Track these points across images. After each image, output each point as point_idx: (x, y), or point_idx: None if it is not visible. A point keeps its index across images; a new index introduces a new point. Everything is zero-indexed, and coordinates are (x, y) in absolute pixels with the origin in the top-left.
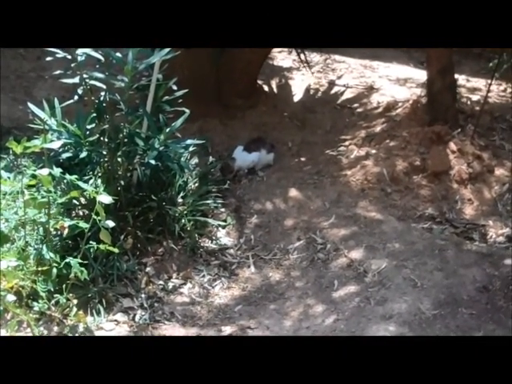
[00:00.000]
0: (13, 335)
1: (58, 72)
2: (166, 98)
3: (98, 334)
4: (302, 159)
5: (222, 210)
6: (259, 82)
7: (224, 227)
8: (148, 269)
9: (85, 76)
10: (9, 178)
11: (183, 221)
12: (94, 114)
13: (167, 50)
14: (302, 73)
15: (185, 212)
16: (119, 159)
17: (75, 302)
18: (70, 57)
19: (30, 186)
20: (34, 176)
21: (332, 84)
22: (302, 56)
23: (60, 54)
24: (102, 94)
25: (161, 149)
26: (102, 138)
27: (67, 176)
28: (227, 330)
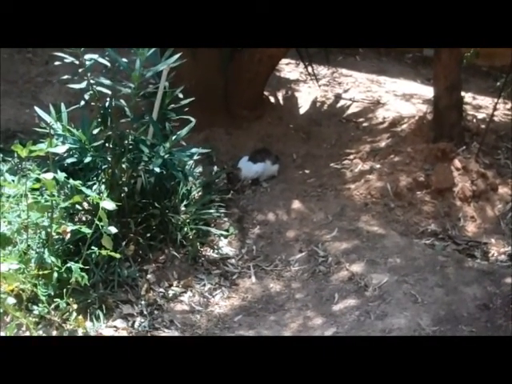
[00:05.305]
0: (13, 335)
1: (65, 77)
2: (173, 106)
3: None
4: (306, 171)
5: (225, 219)
6: (265, 93)
7: (226, 237)
8: (149, 276)
9: (92, 82)
10: (13, 180)
11: (185, 229)
12: (100, 120)
13: (175, 57)
14: (309, 85)
15: (187, 220)
16: (124, 166)
17: (75, 306)
18: (77, 62)
19: (33, 190)
20: (38, 180)
21: (338, 97)
22: (310, 69)
23: (68, 59)
24: (108, 100)
25: (165, 156)
26: (107, 144)
27: (71, 181)
28: None
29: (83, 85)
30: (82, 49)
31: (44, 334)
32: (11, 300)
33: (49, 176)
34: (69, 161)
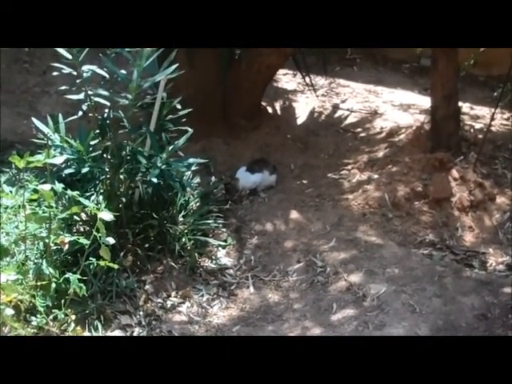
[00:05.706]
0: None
1: (63, 88)
2: (170, 116)
3: None
4: (304, 182)
5: (223, 230)
6: (263, 103)
7: (224, 247)
8: (147, 286)
9: (89, 92)
10: (11, 191)
11: (183, 240)
12: (97, 131)
13: (172, 68)
14: (307, 96)
15: (185, 231)
16: (121, 176)
17: (73, 317)
18: (75, 73)
19: (31, 201)
20: (35, 190)
21: (336, 108)
22: (307, 79)
23: (65, 69)
24: (106, 111)
25: (163, 167)
26: (104, 155)
27: (69, 192)
28: None
29: (81, 96)
30: (80, 59)
31: None
32: (9, 311)
33: (46, 187)
34: (66, 171)
